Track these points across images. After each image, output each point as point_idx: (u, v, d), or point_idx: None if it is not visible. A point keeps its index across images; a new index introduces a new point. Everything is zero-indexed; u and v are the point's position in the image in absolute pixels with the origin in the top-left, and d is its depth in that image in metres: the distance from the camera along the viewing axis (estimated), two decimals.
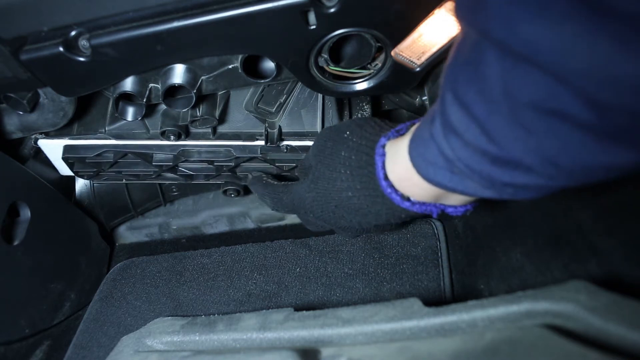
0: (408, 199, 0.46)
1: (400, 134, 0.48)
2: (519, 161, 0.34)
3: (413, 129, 0.45)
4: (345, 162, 0.49)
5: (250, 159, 0.70)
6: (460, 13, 0.34)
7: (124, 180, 0.75)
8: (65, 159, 0.69)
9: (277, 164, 0.70)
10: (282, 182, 0.62)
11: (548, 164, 0.33)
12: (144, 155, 0.69)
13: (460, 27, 0.36)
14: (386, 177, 0.46)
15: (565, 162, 0.32)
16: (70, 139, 0.68)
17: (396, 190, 0.46)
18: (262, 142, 0.67)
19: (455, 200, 0.46)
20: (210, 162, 0.70)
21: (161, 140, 0.67)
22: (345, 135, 0.50)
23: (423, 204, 0.46)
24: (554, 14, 0.26)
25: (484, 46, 0.32)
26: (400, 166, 0.45)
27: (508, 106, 0.32)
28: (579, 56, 0.26)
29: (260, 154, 0.68)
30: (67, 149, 0.69)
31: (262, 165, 0.72)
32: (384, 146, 0.47)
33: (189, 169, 0.73)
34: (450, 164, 0.38)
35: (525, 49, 0.28)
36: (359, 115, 0.67)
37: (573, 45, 0.26)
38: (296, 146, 0.68)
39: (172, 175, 0.73)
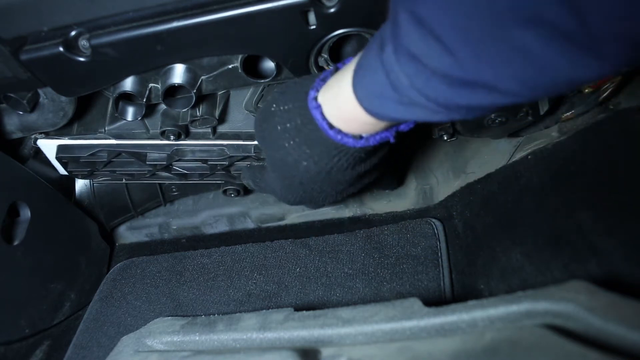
0: (360, 137, 0.44)
1: (325, 81, 0.45)
2: (484, 81, 0.32)
3: (351, 65, 0.42)
4: (285, 134, 0.47)
5: (244, 158, 0.70)
6: None
7: (123, 180, 0.75)
8: (59, 158, 0.70)
9: None
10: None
11: (515, 80, 0.32)
12: (138, 155, 0.69)
13: None
14: (331, 126, 0.44)
15: (533, 77, 0.31)
16: (70, 139, 0.68)
17: (346, 134, 0.44)
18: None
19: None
20: (204, 161, 0.71)
21: (157, 139, 0.67)
22: (273, 109, 0.48)
23: (376, 134, 0.44)
24: None
25: None
26: (343, 107, 0.43)
27: (481, 19, 0.30)
28: None
29: (254, 153, 0.68)
30: (60, 148, 0.69)
31: (255, 164, 0.72)
32: (315, 98, 0.45)
33: (183, 168, 0.73)
34: (399, 92, 0.36)
35: None
36: None
37: None
38: None
39: (167, 174, 0.73)
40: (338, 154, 0.46)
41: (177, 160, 0.70)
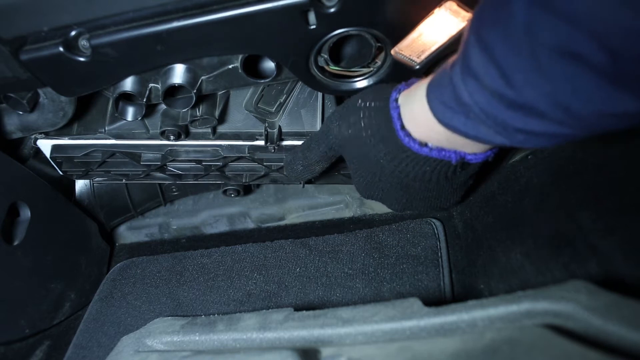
0: (426, 145, 0.47)
1: (409, 86, 0.49)
2: (533, 105, 0.35)
3: (430, 76, 0.46)
4: (368, 130, 0.50)
5: (238, 159, 0.70)
6: None
7: (123, 181, 0.75)
8: (53, 158, 0.70)
9: (265, 164, 0.70)
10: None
11: (560, 108, 0.34)
12: (132, 155, 0.69)
13: None
14: (403, 127, 0.48)
15: (576, 106, 0.33)
16: (70, 139, 0.68)
17: (414, 139, 0.47)
18: (262, 142, 0.67)
19: (473, 148, 0.47)
20: (199, 162, 0.71)
21: (157, 139, 0.67)
22: (359, 104, 0.51)
23: (442, 149, 0.47)
24: None
25: None
26: (416, 113, 0.46)
27: (528, 47, 0.32)
28: (590, 2, 0.28)
29: (248, 153, 0.68)
30: (54, 148, 0.69)
31: (250, 164, 0.72)
32: (396, 99, 0.49)
33: (178, 169, 0.73)
34: (466, 108, 0.39)
35: None
36: None
37: None
38: (285, 145, 0.68)
39: (161, 174, 0.73)
40: (406, 158, 0.48)
41: (171, 161, 0.70)
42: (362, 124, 0.50)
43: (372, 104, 0.50)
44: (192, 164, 0.72)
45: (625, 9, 0.28)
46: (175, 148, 0.69)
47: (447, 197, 0.56)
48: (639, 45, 0.28)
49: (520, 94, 0.35)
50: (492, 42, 0.35)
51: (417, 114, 0.46)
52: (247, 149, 0.68)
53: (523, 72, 0.34)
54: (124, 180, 0.75)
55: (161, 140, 0.67)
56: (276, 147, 0.67)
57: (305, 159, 0.59)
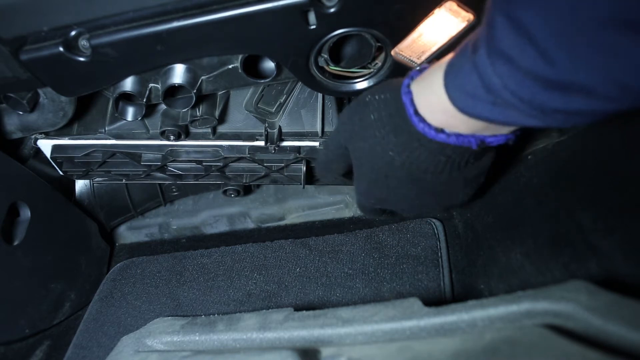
0: (442, 131, 0.44)
1: (421, 72, 0.46)
2: (581, 84, 0.32)
3: (444, 61, 0.43)
4: (377, 122, 0.48)
5: (238, 159, 0.70)
6: None
7: (123, 181, 0.75)
8: (53, 158, 0.70)
9: (265, 164, 0.70)
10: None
11: (615, 85, 0.32)
12: (133, 155, 0.69)
13: None
14: (417, 112, 0.44)
15: (633, 81, 0.31)
16: (70, 139, 0.68)
17: (429, 125, 0.44)
18: (262, 142, 0.67)
19: (494, 130, 0.44)
20: (199, 162, 0.71)
21: (157, 140, 0.67)
22: (368, 99, 0.49)
23: (459, 135, 0.44)
24: None
25: None
26: (432, 98, 0.43)
27: (577, 22, 0.30)
28: None
29: (248, 154, 0.68)
30: (55, 148, 0.69)
31: (250, 165, 0.72)
32: (408, 85, 0.46)
33: (178, 169, 0.73)
34: (494, 94, 0.37)
35: None
36: None
37: None
38: (287, 146, 0.68)
39: (162, 175, 0.73)
40: (419, 146, 0.46)
41: (171, 161, 0.70)
42: (372, 117, 0.48)
43: (382, 96, 0.48)
44: (193, 165, 0.72)
45: None
46: (175, 148, 0.69)
47: (458, 192, 0.52)
48: None
49: (565, 74, 0.32)
50: (530, 22, 0.32)
51: (433, 102, 0.43)
52: (247, 150, 0.68)
53: (570, 50, 0.31)
54: (124, 181, 0.75)
55: (161, 140, 0.67)
56: (276, 148, 0.67)
57: (324, 156, 0.58)
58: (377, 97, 0.48)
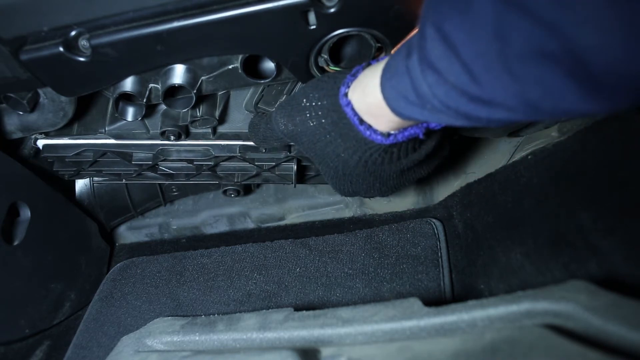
0: (389, 135, 0.46)
1: (355, 77, 0.47)
2: (500, 102, 0.34)
3: (380, 63, 0.44)
4: (320, 128, 0.48)
5: (229, 158, 0.70)
6: None
7: (123, 181, 0.75)
8: (44, 158, 0.70)
9: (256, 163, 0.70)
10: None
11: (529, 107, 0.33)
12: (124, 155, 0.69)
13: None
14: (362, 121, 0.46)
15: (546, 106, 0.33)
16: (70, 139, 0.68)
17: (375, 130, 0.45)
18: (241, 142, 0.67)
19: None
20: (190, 162, 0.71)
21: (157, 140, 0.67)
22: (304, 104, 0.49)
23: (405, 130, 0.45)
24: None
25: None
26: (372, 105, 0.44)
27: (498, 49, 0.31)
28: (570, 6, 0.27)
29: (239, 153, 0.68)
30: (46, 147, 0.69)
31: (242, 164, 0.72)
32: (346, 94, 0.46)
33: (170, 168, 0.73)
34: (423, 100, 0.38)
35: None
36: None
37: None
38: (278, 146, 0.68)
39: (153, 174, 0.74)
40: (369, 149, 0.47)
41: (162, 160, 0.70)
42: (312, 124, 0.49)
43: (319, 103, 0.48)
44: (184, 164, 0.72)
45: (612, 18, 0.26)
46: (166, 147, 0.69)
47: (420, 171, 0.54)
48: (609, 51, 0.27)
49: (487, 92, 0.34)
50: (457, 39, 0.33)
51: (372, 106, 0.44)
52: (238, 149, 0.68)
53: (491, 73, 0.33)
54: (124, 181, 0.75)
55: (154, 140, 0.67)
56: (267, 148, 0.67)
57: (262, 141, 0.59)
58: (314, 103, 0.49)
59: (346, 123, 0.47)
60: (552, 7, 0.28)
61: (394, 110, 0.42)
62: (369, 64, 0.47)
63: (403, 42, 0.41)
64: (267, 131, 0.56)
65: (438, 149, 0.53)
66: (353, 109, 0.46)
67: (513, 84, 0.32)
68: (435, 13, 0.35)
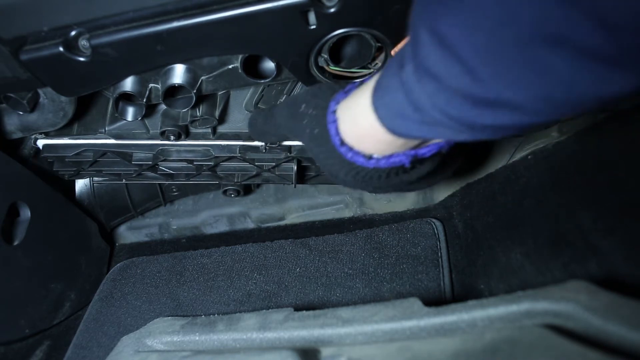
0: (371, 158, 0.43)
1: (348, 94, 0.45)
2: (507, 100, 0.32)
3: (371, 81, 0.41)
4: (312, 137, 0.47)
5: (229, 159, 0.70)
6: None
7: (123, 180, 0.75)
8: (44, 158, 0.70)
9: (256, 164, 0.70)
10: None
11: (539, 99, 0.31)
12: (124, 155, 0.69)
13: None
14: (342, 143, 0.44)
15: (559, 95, 0.30)
16: (70, 139, 0.68)
17: (357, 152, 0.43)
18: (253, 142, 0.67)
19: (426, 141, 0.43)
20: (190, 162, 0.71)
21: (157, 140, 0.67)
22: (302, 110, 0.48)
23: (390, 156, 0.43)
24: None
25: None
26: (361, 125, 0.42)
27: (503, 39, 0.29)
28: None
29: (239, 153, 0.68)
30: (46, 147, 0.69)
31: (242, 164, 0.72)
32: (334, 111, 0.45)
33: (170, 168, 0.73)
34: (422, 113, 0.36)
35: None
36: None
37: None
38: (277, 146, 0.68)
39: (153, 174, 0.73)
40: (352, 169, 0.45)
41: (162, 160, 0.70)
42: (307, 131, 0.48)
43: (312, 112, 0.47)
44: (184, 164, 0.72)
45: None
46: (166, 147, 0.69)
47: (410, 187, 0.51)
48: (636, 15, 0.25)
49: (491, 91, 0.32)
50: (455, 39, 0.31)
51: (361, 126, 0.42)
52: (238, 149, 0.68)
53: (495, 67, 0.30)
54: (124, 181, 0.75)
55: (155, 140, 0.67)
56: (267, 148, 0.67)
57: (262, 134, 0.58)
58: (308, 111, 0.48)
59: (329, 142, 0.45)
60: None
61: (391, 129, 0.40)
62: (362, 82, 0.45)
63: (391, 59, 0.39)
64: (265, 125, 0.56)
65: (440, 167, 0.50)
66: (337, 129, 0.44)
67: (521, 73, 0.30)
68: (427, 14, 0.33)
